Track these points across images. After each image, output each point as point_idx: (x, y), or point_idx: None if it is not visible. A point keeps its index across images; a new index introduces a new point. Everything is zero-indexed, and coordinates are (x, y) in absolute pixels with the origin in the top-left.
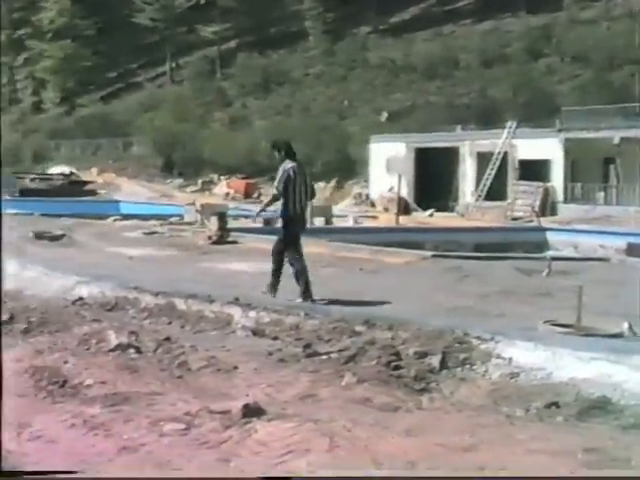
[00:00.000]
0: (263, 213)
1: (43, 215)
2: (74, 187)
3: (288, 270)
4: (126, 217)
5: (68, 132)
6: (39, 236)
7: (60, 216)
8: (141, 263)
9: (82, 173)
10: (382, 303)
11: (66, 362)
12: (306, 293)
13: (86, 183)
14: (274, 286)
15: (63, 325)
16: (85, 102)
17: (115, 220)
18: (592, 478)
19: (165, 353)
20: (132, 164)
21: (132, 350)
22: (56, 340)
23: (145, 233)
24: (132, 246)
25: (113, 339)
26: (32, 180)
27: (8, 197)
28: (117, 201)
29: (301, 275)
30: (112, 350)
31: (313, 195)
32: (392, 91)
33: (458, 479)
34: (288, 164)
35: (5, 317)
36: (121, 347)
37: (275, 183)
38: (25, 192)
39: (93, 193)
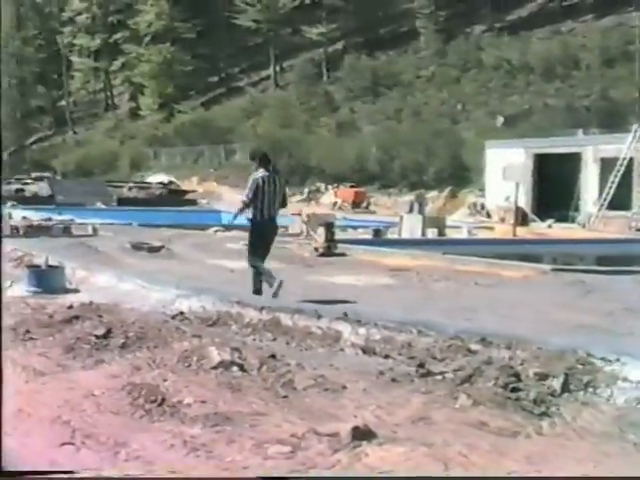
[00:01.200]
0: (235, 221)
1: (141, 225)
2: (173, 196)
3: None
4: (228, 228)
5: (167, 139)
6: (137, 247)
7: (159, 226)
8: (244, 276)
9: (182, 182)
10: (498, 320)
11: (165, 380)
12: (255, 287)
13: (186, 192)
14: (269, 284)
15: (162, 341)
16: (185, 108)
17: (216, 231)
18: (592, 478)
19: (270, 371)
20: (234, 172)
21: (235, 368)
22: (155, 356)
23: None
24: (234, 258)
25: (215, 356)
26: (130, 189)
27: (104, 206)
28: (218, 211)
29: (257, 274)
30: (214, 368)
31: (285, 204)
32: (508, 93)
33: (458, 479)
34: (259, 173)
35: (101, 332)
36: (223, 364)
37: (246, 191)
38: (122, 201)
39: (193, 203)
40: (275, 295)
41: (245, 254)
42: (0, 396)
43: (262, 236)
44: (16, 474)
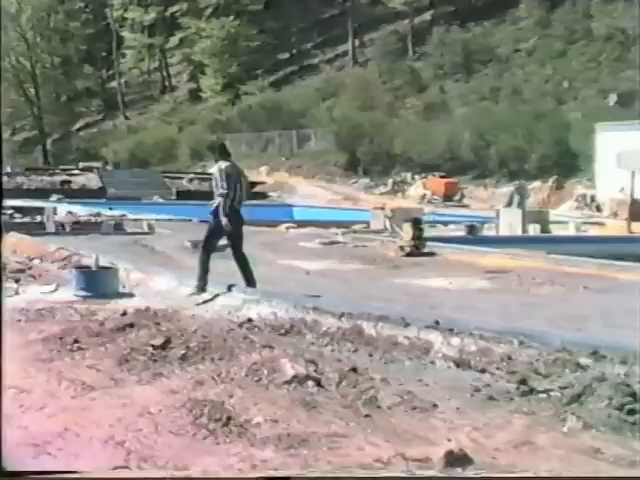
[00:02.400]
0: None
1: (203, 222)
2: None
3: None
4: (301, 224)
5: (232, 125)
6: (198, 246)
7: None
8: (320, 279)
9: (249, 173)
10: (612, 330)
11: (231, 396)
12: (199, 284)
13: (254, 184)
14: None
15: (228, 352)
16: (251, 89)
17: (288, 228)
18: (592, 478)
19: (350, 387)
20: (308, 162)
21: (310, 383)
22: (220, 369)
23: (324, 243)
24: (309, 258)
25: (288, 369)
26: (190, 181)
27: (161, 200)
28: (290, 205)
29: (202, 263)
30: (287, 382)
31: (247, 194)
32: (622, 68)
33: (458, 479)
34: (223, 164)
35: (159, 341)
36: (297, 379)
37: (219, 184)
38: (182, 195)
39: (262, 196)
40: (194, 294)
41: (322, 254)
42: (0, 396)
43: (226, 226)
44: (16, 474)
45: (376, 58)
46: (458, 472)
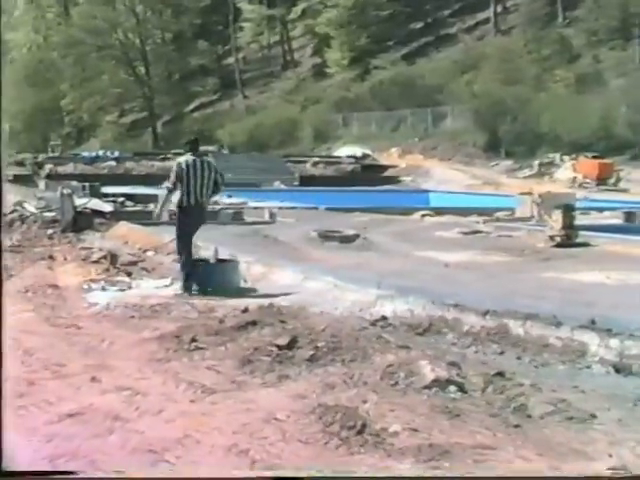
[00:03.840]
0: (165, 213)
1: (329, 209)
2: (369, 173)
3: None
4: (438, 212)
5: (360, 102)
6: (325, 237)
7: (351, 211)
8: (460, 272)
9: (379, 155)
10: None
11: (365, 401)
12: (185, 284)
13: (385, 168)
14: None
15: (360, 353)
16: (382, 63)
17: (424, 216)
18: (592, 478)
19: (497, 393)
20: (445, 142)
21: (452, 388)
22: (351, 372)
23: (464, 233)
24: (447, 250)
25: (427, 372)
26: (314, 165)
27: (283, 187)
28: (426, 191)
29: (183, 267)
30: (426, 387)
31: (217, 189)
32: None
33: (458, 479)
34: (182, 157)
35: (284, 341)
36: (438, 383)
37: (170, 177)
38: (306, 180)
39: (394, 181)
40: (184, 289)
41: (462, 244)
42: (0, 396)
43: (188, 222)
44: (16, 474)
45: (521, 25)
46: None
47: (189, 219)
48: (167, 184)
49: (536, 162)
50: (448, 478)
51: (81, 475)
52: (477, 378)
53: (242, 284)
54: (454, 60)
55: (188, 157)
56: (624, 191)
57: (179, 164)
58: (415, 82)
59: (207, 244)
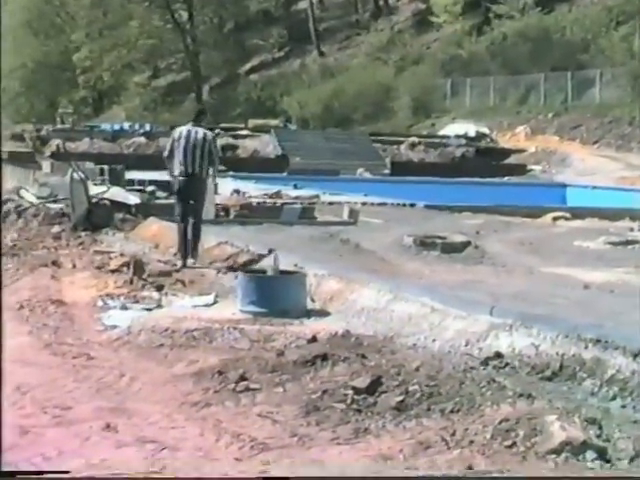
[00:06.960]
0: (212, 208)
1: (430, 207)
2: (485, 160)
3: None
4: (577, 213)
5: (476, 64)
6: (424, 244)
7: (460, 210)
8: (605, 296)
9: (500, 135)
10: None
11: (470, 467)
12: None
13: (507, 153)
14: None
15: (466, 401)
16: (507, 10)
17: (557, 218)
18: (592, 478)
19: None
20: (589, 119)
21: (590, 454)
22: (453, 427)
23: (612, 243)
24: (589, 265)
25: (556, 431)
26: (412, 147)
27: (369, 176)
28: (562, 185)
29: (179, 233)
30: (553, 452)
31: (212, 162)
32: None
33: (457, 479)
34: (178, 128)
35: (364, 383)
36: (570, 447)
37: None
38: (399, 167)
39: (520, 170)
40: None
41: (609, 259)
42: (0, 397)
43: (179, 193)
44: (14, 474)
45: None
46: None
47: (184, 189)
48: (164, 154)
49: None
50: (448, 478)
51: (76, 475)
52: (625, 442)
53: (309, 304)
54: (606, 6)
55: (183, 127)
56: None
57: (172, 135)
58: (551, 36)
59: (265, 249)
